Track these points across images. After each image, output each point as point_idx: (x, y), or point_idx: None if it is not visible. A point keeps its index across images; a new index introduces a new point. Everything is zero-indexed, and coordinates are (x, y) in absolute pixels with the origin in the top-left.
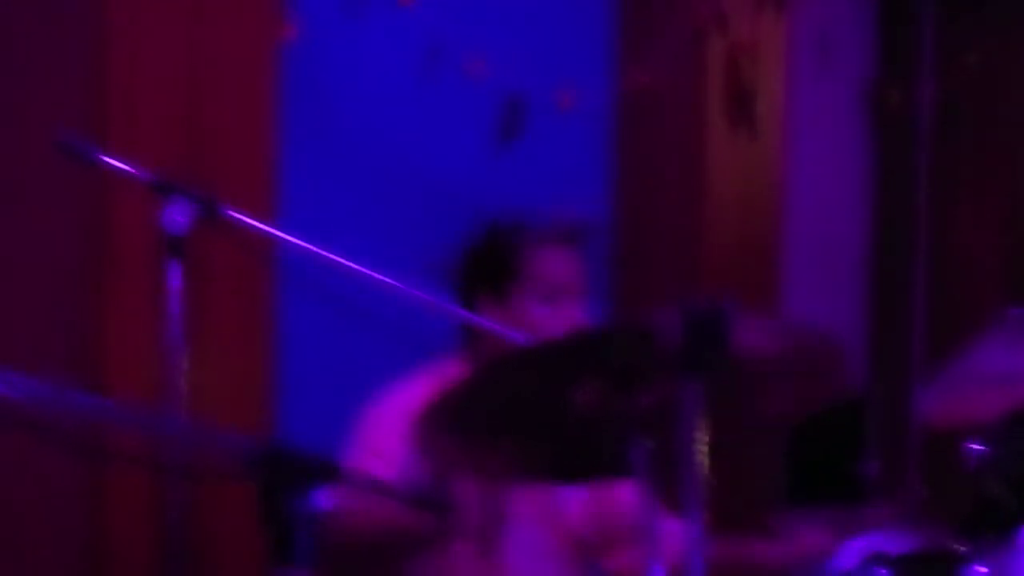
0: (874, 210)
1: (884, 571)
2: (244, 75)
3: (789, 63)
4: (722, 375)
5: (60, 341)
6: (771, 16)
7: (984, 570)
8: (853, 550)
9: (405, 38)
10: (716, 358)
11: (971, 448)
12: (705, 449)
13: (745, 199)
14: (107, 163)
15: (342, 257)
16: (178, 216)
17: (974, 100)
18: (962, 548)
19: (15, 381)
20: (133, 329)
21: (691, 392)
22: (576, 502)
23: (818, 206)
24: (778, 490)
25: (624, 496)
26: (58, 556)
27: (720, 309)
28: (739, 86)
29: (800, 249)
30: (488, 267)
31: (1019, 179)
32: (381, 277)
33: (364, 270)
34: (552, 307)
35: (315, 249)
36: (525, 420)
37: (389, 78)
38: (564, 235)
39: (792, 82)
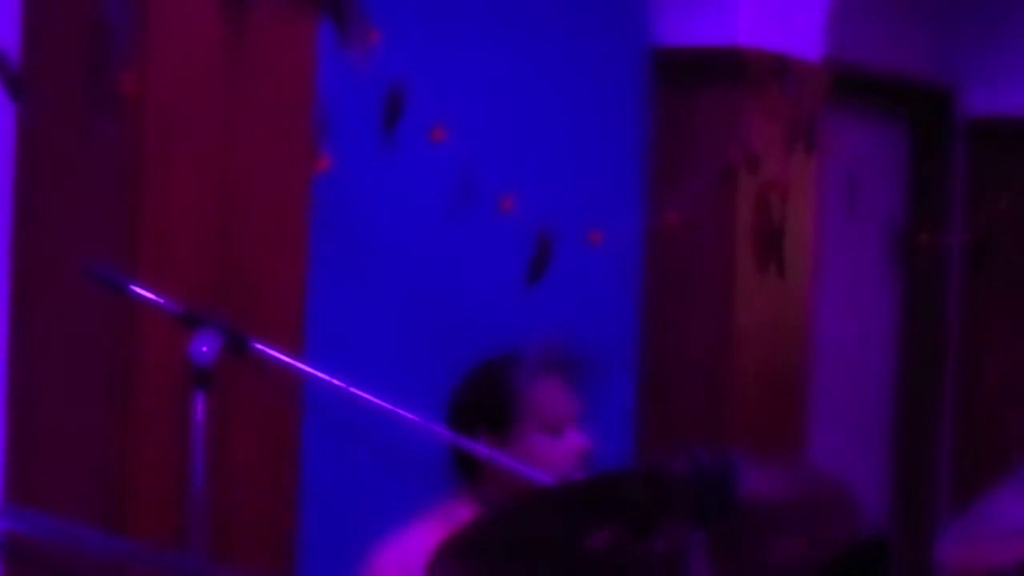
0: (901, 351)
1: None
2: (276, 206)
3: (818, 202)
4: (728, 525)
5: (85, 471)
6: (801, 156)
7: None
8: None
9: (437, 172)
10: (721, 509)
11: None
12: None
13: (772, 338)
14: (136, 293)
15: (369, 392)
16: (205, 347)
17: (1005, 243)
18: None
19: (36, 519)
20: (157, 461)
21: (696, 541)
22: None
23: (846, 346)
24: None
25: None
26: None
27: (728, 459)
28: (768, 225)
29: (827, 389)
30: (486, 402)
31: None
32: (406, 414)
33: (390, 406)
34: (554, 437)
35: (342, 384)
36: (539, 563)
37: (420, 211)
38: (559, 365)
39: (821, 222)
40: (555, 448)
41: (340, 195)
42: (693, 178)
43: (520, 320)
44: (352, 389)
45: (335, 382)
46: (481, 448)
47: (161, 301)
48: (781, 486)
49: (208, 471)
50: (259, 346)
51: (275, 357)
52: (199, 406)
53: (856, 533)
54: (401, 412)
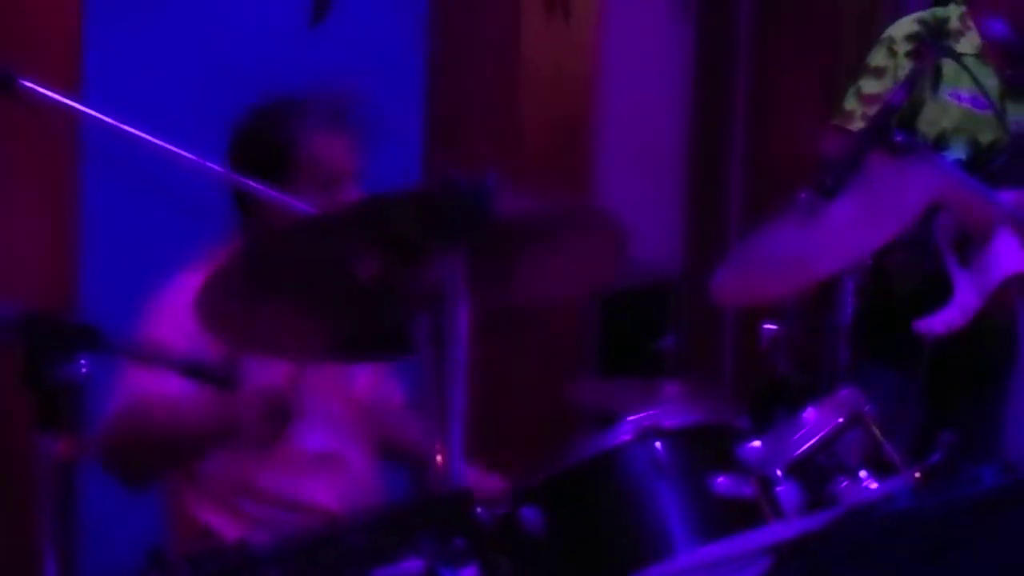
0: (692, 94)
1: (658, 443)
2: None
3: None
4: (486, 247)
5: None
6: None
7: (758, 444)
8: (630, 424)
9: None
10: (476, 228)
11: (765, 328)
12: (474, 324)
13: (560, 83)
14: None
15: (148, 133)
16: None
17: None
18: (741, 423)
19: None
20: None
21: (455, 264)
22: (364, 374)
23: (635, 89)
24: (587, 364)
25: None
26: None
27: (484, 179)
28: None
29: (617, 130)
30: (262, 153)
31: (837, 64)
32: (180, 151)
33: (165, 144)
34: (329, 194)
35: (117, 124)
36: (306, 291)
37: None
38: (340, 119)
39: None
40: (330, 204)
41: None
42: None
43: (302, 61)
44: (128, 128)
45: (110, 121)
46: (253, 184)
47: None
48: (546, 213)
49: None
50: (28, 84)
51: (48, 96)
52: None
53: (627, 262)
54: (178, 151)
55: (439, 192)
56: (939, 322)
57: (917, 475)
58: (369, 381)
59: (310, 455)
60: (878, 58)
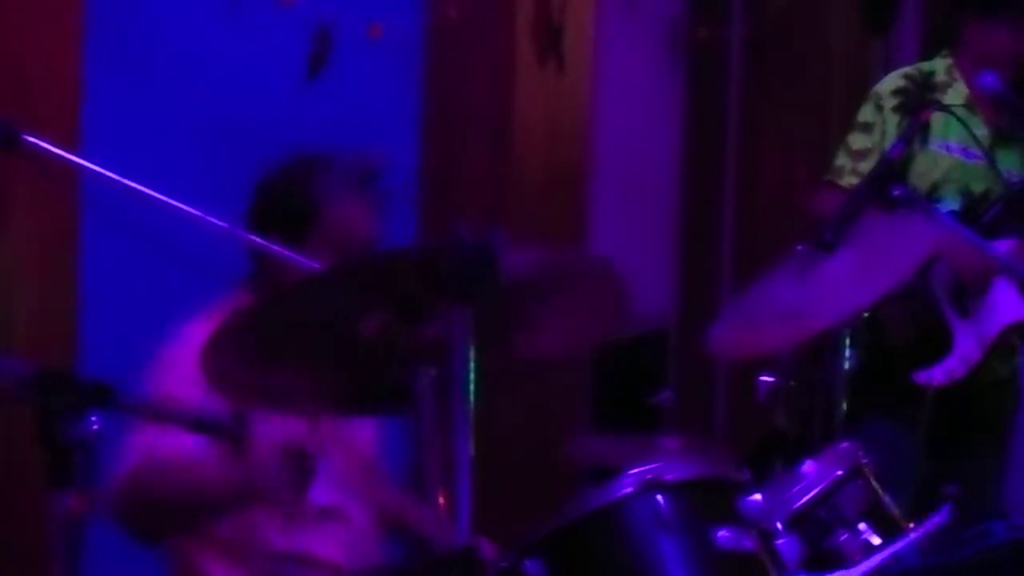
0: (684, 144)
1: (660, 496)
2: (49, 1)
3: None
4: (493, 305)
5: None
6: None
7: (758, 497)
8: (631, 477)
9: None
10: (484, 285)
11: (761, 380)
12: (478, 378)
13: (552, 132)
14: None
15: (145, 187)
16: None
17: (784, 37)
18: (741, 476)
19: None
20: None
21: (460, 321)
22: (366, 428)
23: (627, 139)
24: (582, 418)
25: None
26: None
27: (491, 237)
28: (548, 19)
29: (609, 182)
30: (283, 210)
31: (827, 117)
32: (182, 206)
33: (165, 199)
34: (345, 255)
35: (117, 177)
36: (310, 347)
37: (198, 5)
38: (367, 185)
39: (600, 17)
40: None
41: None
42: None
43: (299, 116)
44: (127, 182)
45: (110, 175)
46: (256, 238)
47: None
48: (547, 266)
49: None
50: (31, 139)
51: (49, 151)
52: None
53: (626, 317)
54: (178, 205)
55: (444, 251)
56: (940, 372)
57: (923, 532)
58: (371, 435)
59: (314, 509)
60: (866, 114)
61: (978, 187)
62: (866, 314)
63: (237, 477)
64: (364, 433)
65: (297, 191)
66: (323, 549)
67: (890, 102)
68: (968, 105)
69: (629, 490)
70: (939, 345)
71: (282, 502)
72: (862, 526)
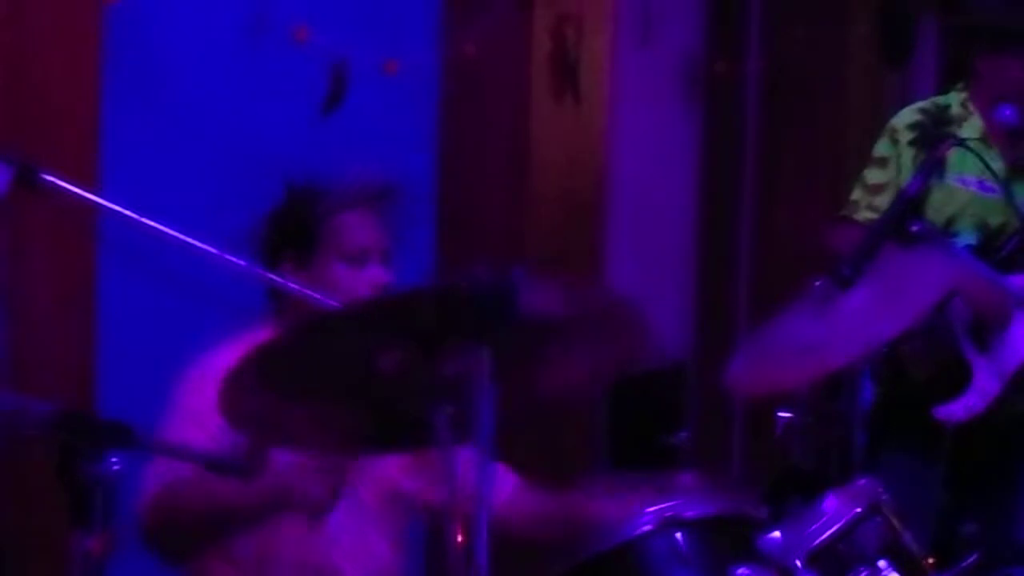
0: (700, 178)
1: (679, 534)
2: (67, 38)
3: (614, 32)
4: (512, 342)
5: None
6: None
7: (778, 535)
8: (651, 514)
9: (231, 2)
10: (503, 323)
11: (779, 416)
12: (498, 415)
13: (569, 166)
14: None
15: (163, 225)
16: None
17: (801, 71)
18: (760, 513)
19: None
20: None
21: (480, 358)
22: (391, 461)
23: (643, 173)
24: (597, 456)
25: None
26: None
27: (509, 275)
28: (564, 54)
29: (625, 217)
30: (290, 232)
31: (843, 152)
32: (200, 245)
33: (184, 237)
34: (354, 269)
35: (135, 216)
36: (329, 384)
37: (215, 42)
38: (365, 199)
39: (616, 51)
40: (356, 279)
41: (133, 25)
42: (489, 7)
43: (316, 151)
44: (145, 220)
45: (127, 212)
46: (274, 276)
47: None
48: (567, 304)
49: (2, 307)
50: (50, 178)
51: (67, 189)
52: None
53: (644, 354)
54: (194, 243)
55: (464, 289)
56: (960, 408)
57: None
58: (397, 468)
59: (335, 528)
60: (881, 148)
61: (995, 220)
62: (885, 350)
63: (259, 487)
64: (389, 466)
65: (299, 208)
66: (343, 566)
67: (906, 136)
68: (983, 139)
69: (648, 527)
70: (958, 380)
71: (317, 510)
72: (882, 563)
